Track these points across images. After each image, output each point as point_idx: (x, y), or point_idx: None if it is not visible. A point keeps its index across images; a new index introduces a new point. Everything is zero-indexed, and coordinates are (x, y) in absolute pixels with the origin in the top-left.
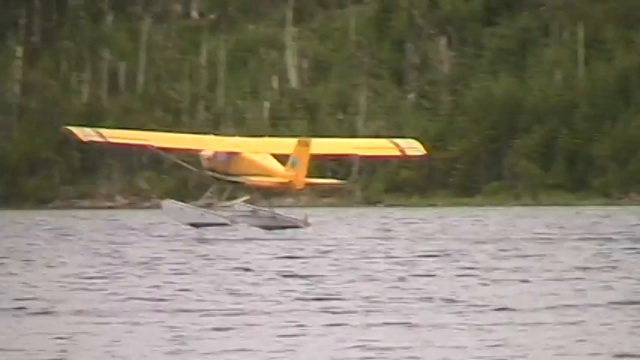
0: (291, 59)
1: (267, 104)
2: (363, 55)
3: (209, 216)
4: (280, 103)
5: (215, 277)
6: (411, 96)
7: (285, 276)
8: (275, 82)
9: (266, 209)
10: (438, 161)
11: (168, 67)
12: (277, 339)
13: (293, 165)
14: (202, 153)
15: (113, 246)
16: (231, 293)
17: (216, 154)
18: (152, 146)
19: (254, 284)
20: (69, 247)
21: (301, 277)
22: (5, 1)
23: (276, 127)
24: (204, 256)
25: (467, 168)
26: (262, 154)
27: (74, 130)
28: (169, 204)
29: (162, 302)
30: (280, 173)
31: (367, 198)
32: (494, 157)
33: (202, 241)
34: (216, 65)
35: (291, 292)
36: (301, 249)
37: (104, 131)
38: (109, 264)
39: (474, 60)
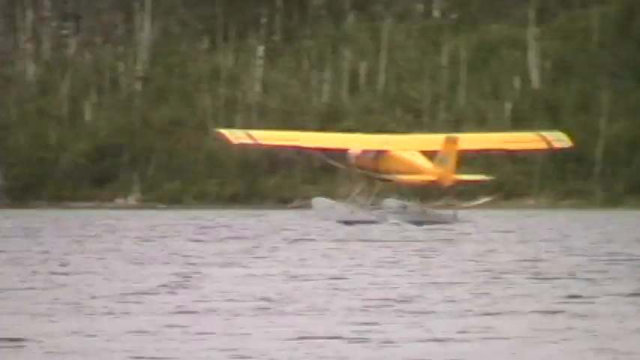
0: (533, 59)
1: (508, 105)
2: (606, 55)
3: (359, 213)
4: (522, 103)
5: None
6: None
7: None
8: (517, 82)
9: (415, 205)
10: None
11: (410, 66)
12: None
13: (441, 162)
14: (350, 151)
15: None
16: None
17: (364, 152)
18: (301, 147)
19: None
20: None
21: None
22: (247, 1)
23: (517, 128)
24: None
25: None
26: (410, 151)
27: (225, 132)
28: (320, 201)
29: None
30: (428, 170)
31: (608, 199)
32: None
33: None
34: (458, 65)
35: None
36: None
37: (254, 133)
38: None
39: None
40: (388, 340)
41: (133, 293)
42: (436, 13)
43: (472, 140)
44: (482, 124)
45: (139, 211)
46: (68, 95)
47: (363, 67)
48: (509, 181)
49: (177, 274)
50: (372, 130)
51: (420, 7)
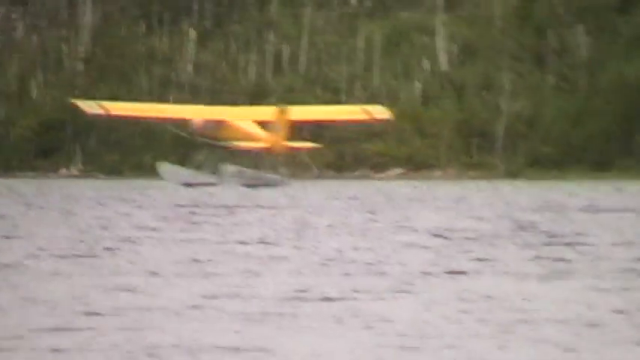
0: (441, 43)
1: (418, 85)
2: (507, 40)
3: (200, 177)
4: (431, 84)
5: None
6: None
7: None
8: (426, 65)
9: (250, 170)
10: (574, 138)
11: (329, 49)
12: None
13: (274, 131)
14: (193, 121)
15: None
16: None
17: (205, 121)
18: (152, 117)
19: None
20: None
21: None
22: None
23: (426, 106)
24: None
25: (602, 145)
26: (246, 121)
27: (80, 103)
28: (165, 166)
29: None
30: (262, 138)
31: (509, 172)
32: (627, 135)
33: None
34: (372, 48)
35: None
36: None
37: (107, 104)
38: None
39: (609, 46)
40: None
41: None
42: (353, 1)
43: (301, 112)
44: (394, 102)
45: (80, 180)
46: (16, 74)
47: (286, 50)
48: (418, 154)
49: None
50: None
51: None
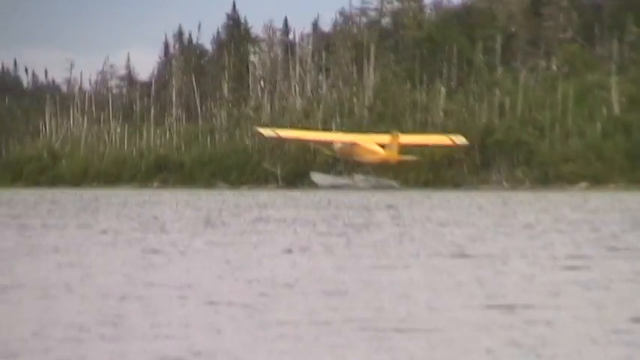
0: (615, 96)
1: (599, 125)
2: None
3: (340, 181)
4: (607, 124)
5: None
6: None
7: None
8: (604, 111)
9: (373, 178)
10: None
11: (537, 100)
12: None
13: (389, 149)
14: (334, 143)
15: None
16: None
17: (343, 143)
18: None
19: None
20: None
21: None
22: (434, 59)
23: (605, 139)
24: None
25: None
26: (370, 143)
27: (261, 130)
28: (316, 175)
29: None
30: (380, 154)
31: None
32: None
33: None
34: (567, 100)
35: None
36: None
37: (278, 130)
38: None
39: None
40: None
41: None
42: (554, 67)
43: (406, 138)
44: (582, 137)
45: None
46: (320, 120)
47: (507, 101)
48: (599, 173)
49: None
50: None
51: (543, 63)
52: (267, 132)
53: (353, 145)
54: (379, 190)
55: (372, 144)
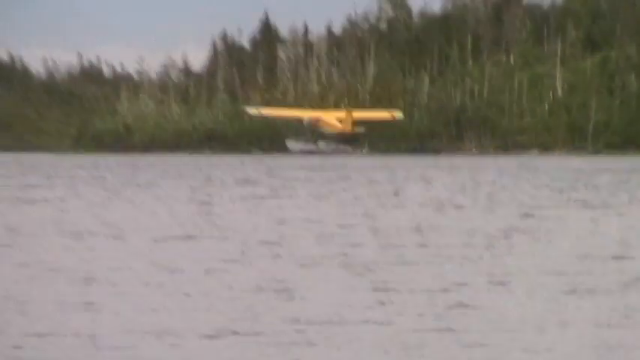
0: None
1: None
2: None
3: (308, 147)
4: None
5: None
6: None
7: None
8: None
9: (333, 144)
10: None
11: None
12: None
13: (344, 122)
14: (304, 118)
15: None
16: None
17: (310, 118)
18: (304, 119)
19: None
20: None
21: None
22: None
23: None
24: None
25: None
26: (330, 117)
27: (247, 109)
28: (291, 141)
29: None
30: (338, 126)
31: None
32: None
33: None
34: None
35: None
36: None
37: (261, 109)
38: None
39: None
40: None
41: None
42: (511, 61)
43: (357, 114)
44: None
45: None
46: (333, 101)
47: (475, 88)
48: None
49: None
50: None
51: (503, 58)
52: (252, 111)
53: (318, 119)
54: (338, 153)
55: (332, 119)
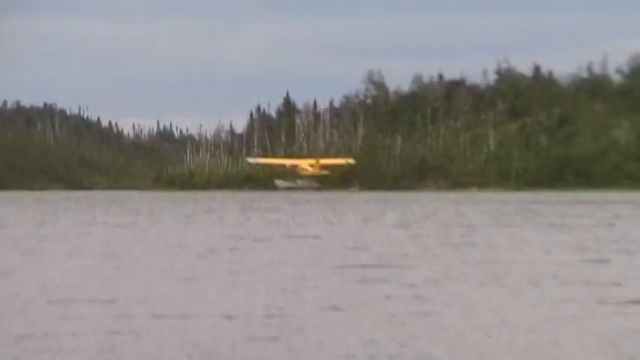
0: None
1: None
2: None
3: (290, 184)
4: None
5: None
6: None
7: None
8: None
9: (308, 182)
10: None
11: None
12: None
13: (314, 167)
14: (287, 164)
15: None
16: None
17: (291, 164)
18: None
19: None
20: None
21: None
22: None
23: None
24: None
25: None
26: (305, 164)
27: (249, 159)
28: (279, 181)
29: None
30: (310, 170)
31: None
32: None
33: None
34: None
35: None
36: None
37: (258, 159)
38: None
39: None
40: None
41: None
42: (458, 125)
43: (325, 162)
44: None
45: None
46: (333, 153)
47: (434, 145)
48: None
49: None
50: None
51: (452, 123)
52: (252, 160)
53: (296, 166)
54: (308, 189)
55: (306, 165)
